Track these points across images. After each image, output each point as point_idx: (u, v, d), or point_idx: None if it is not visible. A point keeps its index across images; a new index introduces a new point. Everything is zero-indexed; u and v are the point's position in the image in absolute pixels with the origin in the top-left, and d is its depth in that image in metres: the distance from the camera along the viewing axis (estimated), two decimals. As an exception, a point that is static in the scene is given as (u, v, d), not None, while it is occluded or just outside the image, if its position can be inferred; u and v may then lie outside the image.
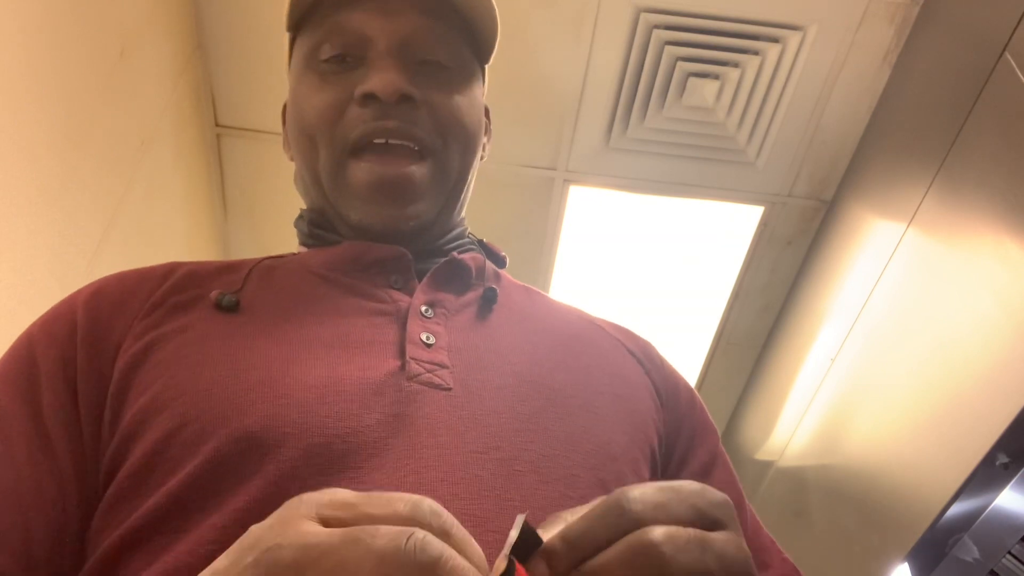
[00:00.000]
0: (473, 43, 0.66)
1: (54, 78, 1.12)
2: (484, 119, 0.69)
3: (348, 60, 0.61)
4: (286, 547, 0.31)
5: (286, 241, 2.21)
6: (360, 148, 0.60)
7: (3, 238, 1.03)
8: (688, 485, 0.36)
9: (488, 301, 0.62)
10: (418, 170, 0.60)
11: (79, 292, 0.59)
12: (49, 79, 1.11)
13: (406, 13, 0.61)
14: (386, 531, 0.31)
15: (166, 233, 1.60)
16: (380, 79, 0.58)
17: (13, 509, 0.47)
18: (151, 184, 1.48)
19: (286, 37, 0.68)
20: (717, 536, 0.34)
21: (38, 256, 1.12)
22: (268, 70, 1.63)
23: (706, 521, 0.35)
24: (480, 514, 0.45)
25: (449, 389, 0.52)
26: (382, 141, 0.59)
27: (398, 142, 0.59)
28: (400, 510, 0.33)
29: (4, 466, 0.48)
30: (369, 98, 0.59)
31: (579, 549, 0.33)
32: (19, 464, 0.49)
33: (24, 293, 1.08)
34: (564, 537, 0.34)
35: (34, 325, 0.57)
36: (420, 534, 0.31)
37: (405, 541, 0.30)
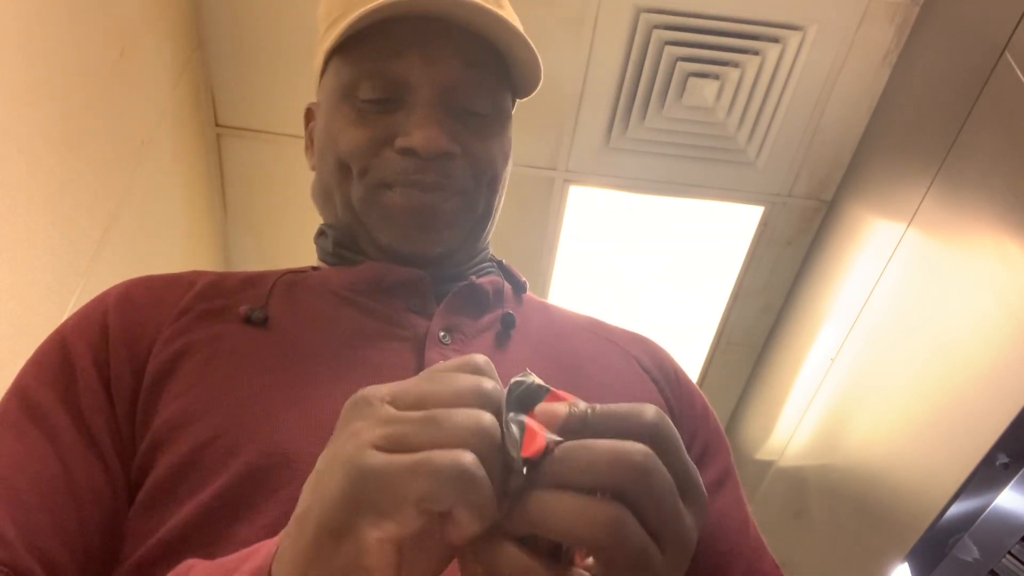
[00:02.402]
0: (511, 82, 0.67)
1: (54, 78, 1.12)
2: (510, 149, 0.70)
3: (388, 102, 0.61)
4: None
5: (286, 241, 2.20)
6: (394, 185, 0.61)
7: (3, 238, 1.03)
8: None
9: (507, 326, 0.63)
10: (449, 203, 0.62)
11: (107, 294, 0.60)
12: (49, 79, 1.11)
13: (449, 61, 0.60)
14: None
15: (166, 233, 1.60)
16: (422, 136, 0.58)
17: (70, 505, 0.48)
18: (151, 184, 1.48)
19: (319, 56, 0.67)
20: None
21: (38, 256, 1.12)
22: (268, 70, 1.63)
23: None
24: None
25: None
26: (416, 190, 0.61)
27: (432, 193, 0.61)
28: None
29: (56, 463, 0.49)
30: (409, 151, 0.59)
31: (600, 415, 0.34)
32: (69, 461, 0.50)
33: (24, 293, 1.08)
34: (591, 404, 0.35)
35: (65, 326, 0.57)
36: (470, 457, 0.31)
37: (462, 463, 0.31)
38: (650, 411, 0.34)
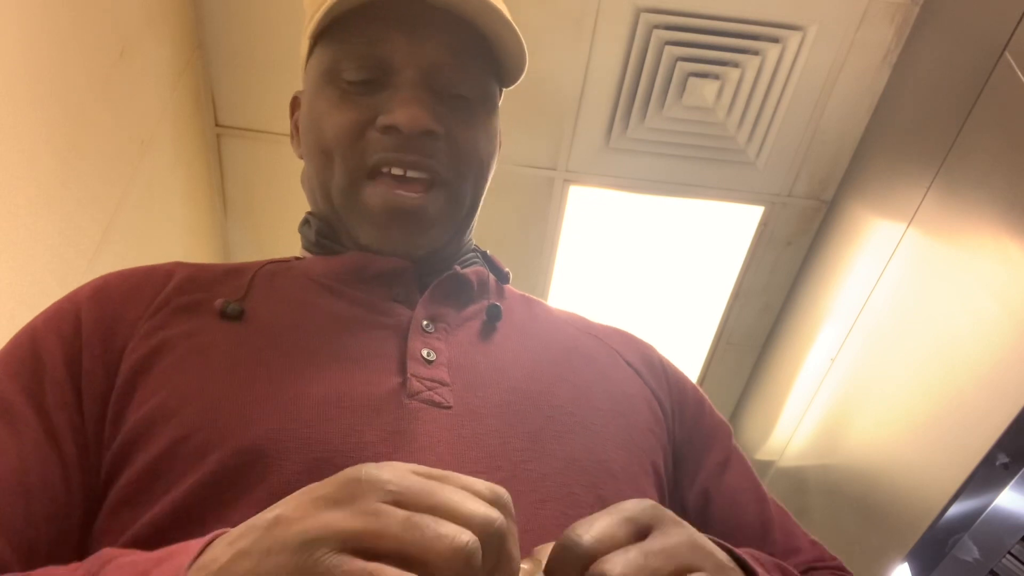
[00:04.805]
0: (497, 70, 0.66)
1: (54, 78, 1.12)
2: (497, 141, 0.69)
3: (372, 83, 0.60)
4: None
5: (286, 241, 2.20)
6: (376, 173, 0.60)
7: (3, 238, 1.03)
8: (622, 504, 0.40)
9: (492, 317, 0.62)
10: (432, 201, 0.60)
11: (82, 289, 0.59)
12: (49, 79, 1.11)
13: (433, 43, 0.60)
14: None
15: (166, 233, 1.60)
16: (405, 113, 0.58)
17: (18, 499, 0.47)
18: (151, 184, 1.48)
19: (304, 42, 0.67)
20: (650, 540, 0.38)
21: (38, 256, 1.12)
22: (268, 70, 1.63)
23: (641, 528, 0.39)
24: None
25: (449, 407, 0.52)
26: (400, 172, 0.59)
27: (415, 175, 0.60)
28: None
29: (11, 456, 0.49)
30: (391, 129, 0.59)
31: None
32: (26, 455, 0.49)
33: (24, 293, 1.08)
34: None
35: (37, 320, 0.57)
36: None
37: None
38: (579, 533, 0.37)
